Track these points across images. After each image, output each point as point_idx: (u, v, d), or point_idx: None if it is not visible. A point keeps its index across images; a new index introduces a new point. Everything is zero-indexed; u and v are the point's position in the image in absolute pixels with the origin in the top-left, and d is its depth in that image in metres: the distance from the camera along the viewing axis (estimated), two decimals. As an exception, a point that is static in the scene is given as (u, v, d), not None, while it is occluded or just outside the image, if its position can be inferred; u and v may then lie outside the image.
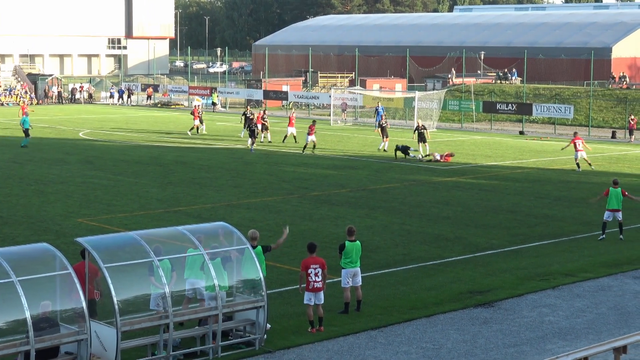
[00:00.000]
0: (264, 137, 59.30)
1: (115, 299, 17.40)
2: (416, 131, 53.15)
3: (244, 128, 60.93)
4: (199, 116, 64.63)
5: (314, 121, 56.07)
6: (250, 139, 54.30)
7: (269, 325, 19.93)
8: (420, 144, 52.27)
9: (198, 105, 70.99)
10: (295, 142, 56.67)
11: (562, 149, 45.43)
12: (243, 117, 62.99)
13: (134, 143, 59.17)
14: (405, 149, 51.57)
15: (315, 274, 20.51)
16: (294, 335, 20.04)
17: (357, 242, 21.92)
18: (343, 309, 21.62)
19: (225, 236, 20.25)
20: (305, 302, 20.67)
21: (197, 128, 64.37)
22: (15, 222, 32.49)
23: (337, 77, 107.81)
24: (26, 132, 56.14)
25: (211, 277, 18.91)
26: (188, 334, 19.06)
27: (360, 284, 21.97)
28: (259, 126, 58.47)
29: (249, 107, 68.29)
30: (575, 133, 48.50)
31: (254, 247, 20.46)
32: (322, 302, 20.67)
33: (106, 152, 53.64)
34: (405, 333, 20.33)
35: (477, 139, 64.25)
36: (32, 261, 18.16)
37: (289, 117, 59.59)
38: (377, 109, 70.87)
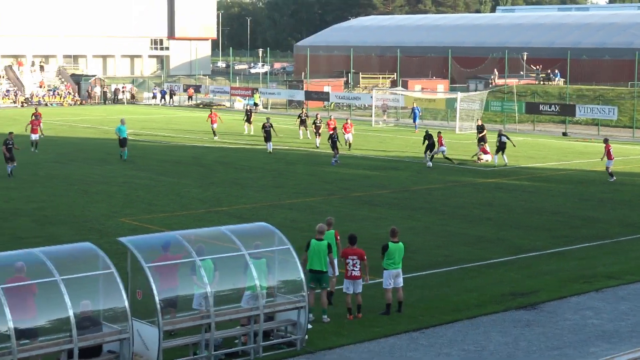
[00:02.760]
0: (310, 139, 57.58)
1: (157, 299, 17.46)
2: (478, 133, 52.37)
3: (300, 129, 61.02)
4: (246, 120, 64.80)
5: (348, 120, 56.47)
6: (333, 151, 48.63)
7: (309, 326, 19.92)
8: (499, 154, 48.92)
9: (249, 106, 70.84)
10: (349, 149, 54.55)
11: (602, 158, 44.12)
12: (298, 120, 61.99)
13: (175, 143, 59.43)
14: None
15: (354, 264, 21.21)
16: (335, 336, 20.01)
17: (400, 243, 21.90)
18: (384, 310, 21.58)
19: (266, 237, 20.27)
20: (344, 290, 21.28)
21: (214, 132, 62.09)
22: (59, 222, 32.75)
23: (379, 77, 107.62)
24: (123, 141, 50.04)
25: (253, 278, 18.93)
26: (230, 334, 19.09)
27: (402, 285, 21.92)
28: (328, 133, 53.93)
29: (304, 109, 67.12)
30: (606, 140, 45.34)
31: (319, 241, 21.20)
32: (361, 290, 21.26)
33: (148, 152, 53.92)
34: (447, 335, 20.23)
35: (519, 140, 63.79)
36: (76, 260, 18.28)
37: (343, 125, 56.13)
38: (413, 110, 70.68)
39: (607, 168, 43.95)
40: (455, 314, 21.68)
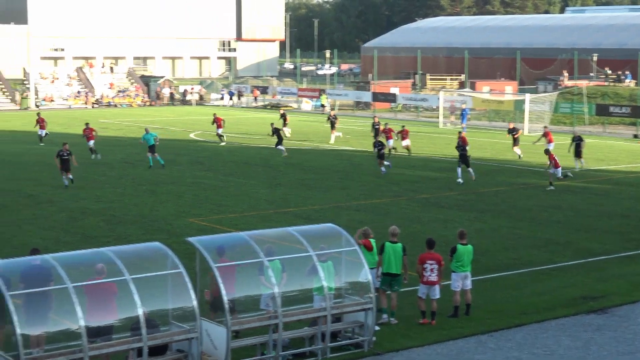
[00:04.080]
0: (393, 148, 53.58)
1: (225, 299, 17.55)
2: (573, 142, 48.13)
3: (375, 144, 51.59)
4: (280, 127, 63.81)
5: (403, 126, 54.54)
6: (378, 160, 46.18)
7: (377, 327, 19.88)
8: (576, 159, 47.65)
9: (332, 112, 68.36)
10: (409, 154, 52.89)
11: None
12: (374, 131, 56.25)
13: (243, 144, 59.71)
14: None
15: (431, 270, 21.01)
16: (402, 338, 19.94)
17: (469, 245, 21.78)
18: (452, 313, 21.45)
19: (334, 238, 20.26)
20: (419, 295, 21.10)
21: (220, 137, 59.78)
22: (128, 222, 33.10)
23: (446, 79, 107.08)
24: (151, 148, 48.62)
25: (320, 279, 18.94)
26: (297, 335, 19.12)
27: (470, 287, 21.78)
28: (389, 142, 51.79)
29: (376, 117, 63.72)
30: None
31: (394, 243, 20.99)
32: (437, 296, 21.06)
33: (216, 153, 54.26)
34: (516, 338, 20.05)
35: (589, 142, 63.00)
36: (145, 260, 18.46)
37: (402, 131, 53.10)
38: (462, 112, 69.98)
39: None
40: (523, 317, 21.48)
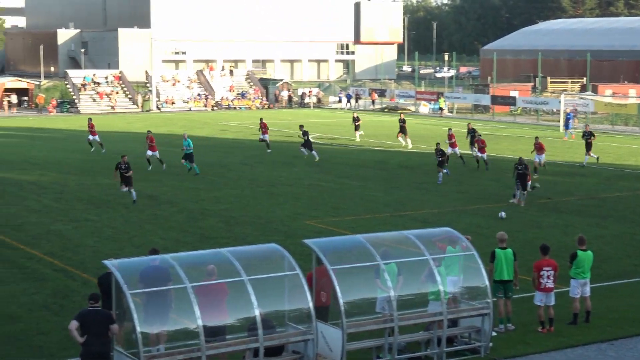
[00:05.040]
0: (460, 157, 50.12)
1: (341, 301, 17.57)
2: (583, 138, 49.50)
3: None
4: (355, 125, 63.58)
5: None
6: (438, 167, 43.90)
7: (494, 333, 19.64)
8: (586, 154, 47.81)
9: (470, 125, 65.90)
10: (487, 168, 48.16)
11: None
12: (469, 137, 53.31)
13: (359, 147, 59.76)
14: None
15: (548, 276, 20.60)
16: (520, 344, 19.67)
17: (589, 251, 21.34)
18: (571, 320, 21.05)
19: (451, 242, 20.10)
20: (536, 302, 20.75)
21: (264, 141, 57.13)
22: (246, 223, 33.44)
23: (567, 82, 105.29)
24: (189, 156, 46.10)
25: (437, 283, 18.81)
26: (413, 339, 19.02)
27: (589, 294, 21.33)
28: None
29: (470, 123, 57.05)
30: None
31: (503, 249, 20.68)
32: (553, 303, 20.67)
33: (333, 156, 54.40)
34: (638, 347, 19.59)
35: None
36: (262, 261, 18.62)
37: (480, 140, 48.97)
38: (567, 116, 68.30)
39: None
40: (646, 326, 20.96)
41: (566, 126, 67.19)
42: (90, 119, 57.82)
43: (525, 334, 20.34)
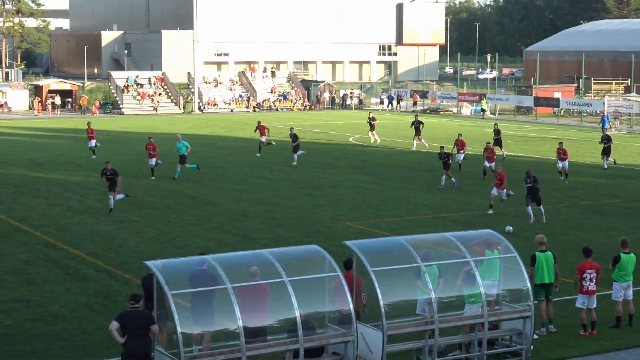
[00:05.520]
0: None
1: (381, 303, 17.55)
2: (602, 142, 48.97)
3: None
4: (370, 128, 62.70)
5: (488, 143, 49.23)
6: (443, 170, 42.73)
7: (535, 336, 19.52)
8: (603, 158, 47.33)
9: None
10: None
11: None
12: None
13: (401, 149, 59.64)
14: None
15: (590, 279, 20.45)
16: (562, 347, 19.54)
17: (632, 254, 21.14)
18: (614, 323, 20.88)
19: (493, 244, 20.00)
20: (578, 305, 20.59)
21: (262, 145, 55.86)
22: (288, 224, 33.49)
23: (612, 83, 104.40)
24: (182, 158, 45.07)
25: (477, 285, 18.73)
26: (454, 341, 18.95)
27: (632, 297, 21.14)
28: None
29: (497, 124, 57.68)
30: None
31: (543, 252, 20.57)
32: (595, 306, 20.52)
33: (374, 157, 54.36)
34: (681, 351, 19.37)
35: None
36: (303, 262, 18.61)
37: (490, 149, 45.84)
38: (603, 117, 67.55)
39: None
40: (690, 330, 20.73)
41: (603, 128, 66.46)
42: (89, 123, 55.65)
43: (567, 337, 20.19)
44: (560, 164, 44.66)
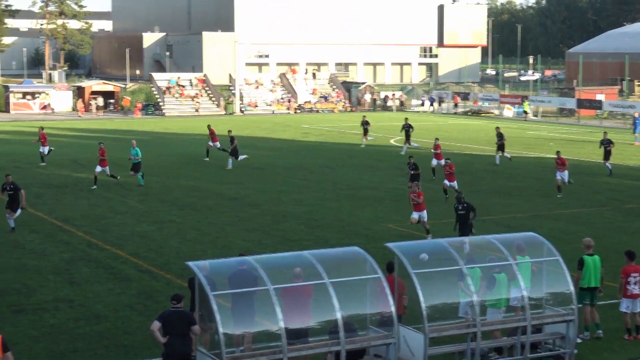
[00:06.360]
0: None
1: (423, 305, 17.47)
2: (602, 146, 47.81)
3: None
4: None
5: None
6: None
7: (579, 339, 19.34)
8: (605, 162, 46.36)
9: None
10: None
11: None
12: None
13: (442, 150, 59.31)
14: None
15: (635, 282, 20.26)
16: (606, 352, 19.37)
17: (675, 258, 20.89)
18: (659, 328, 20.64)
19: (535, 247, 19.84)
20: (622, 309, 20.42)
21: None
22: (328, 225, 33.46)
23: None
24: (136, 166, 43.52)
25: (498, 289, 18.62)
26: (496, 344, 18.82)
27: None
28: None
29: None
30: None
31: (590, 256, 20.40)
32: (639, 310, 20.34)
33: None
34: None
35: None
36: (343, 264, 18.58)
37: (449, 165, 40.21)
38: (635, 120, 66.59)
39: None
40: None
41: (635, 130, 65.68)
42: (41, 128, 52.57)
43: (611, 341, 20.00)
44: (559, 176, 40.41)
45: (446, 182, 39.39)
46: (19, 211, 32.40)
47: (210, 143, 52.87)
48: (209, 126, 55.41)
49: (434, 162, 45.65)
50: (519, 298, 18.63)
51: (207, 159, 52.57)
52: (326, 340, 17.00)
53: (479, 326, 17.98)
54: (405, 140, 57.53)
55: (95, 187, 42.21)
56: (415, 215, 31.09)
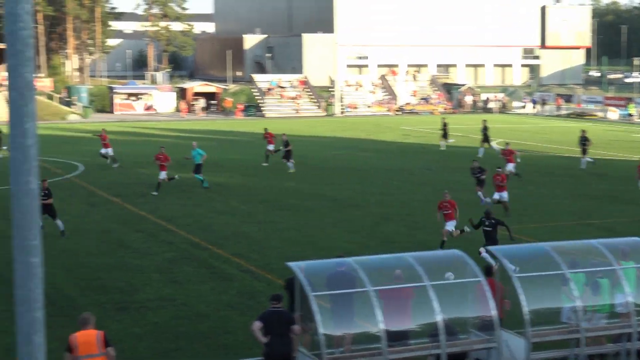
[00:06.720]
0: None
1: (525, 309, 17.28)
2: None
3: None
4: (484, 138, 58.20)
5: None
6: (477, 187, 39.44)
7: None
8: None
9: None
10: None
11: None
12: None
13: (545, 153, 58.66)
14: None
15: None
16: None
17: None
18: None
19: (624, 255, 19.42)
20: None
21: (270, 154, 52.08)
22: (429, 228, 33.27)
23: None
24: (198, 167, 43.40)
25: (601, 295, 18.30)
26: (600, 351, 18.51)
27: None
28: None
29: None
30: None
31: None
32: None
33: (521, 163, 53.49)
34: None
35: None
36: (444, 267, 18.49)
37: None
38: None
39: None
40: None
41: None
42: (103, 130, 53.02)
43: None
44: (496, 196, 36.74)
45: (496, 194, 36.61)
46: (58, 221, 31.46)
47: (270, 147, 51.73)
48: (265, 129, 54.19)
49: (509, 166, 44.14)
50: (624, 304, 18.29)
51: (266, 164, 51.27)
52: (427, 343, 16.94)
53: (583, 332, 17.71)
54: (482, 141, 57.05)
55: (156, 193, 40.95)
56: (449, 227, 29.65)
